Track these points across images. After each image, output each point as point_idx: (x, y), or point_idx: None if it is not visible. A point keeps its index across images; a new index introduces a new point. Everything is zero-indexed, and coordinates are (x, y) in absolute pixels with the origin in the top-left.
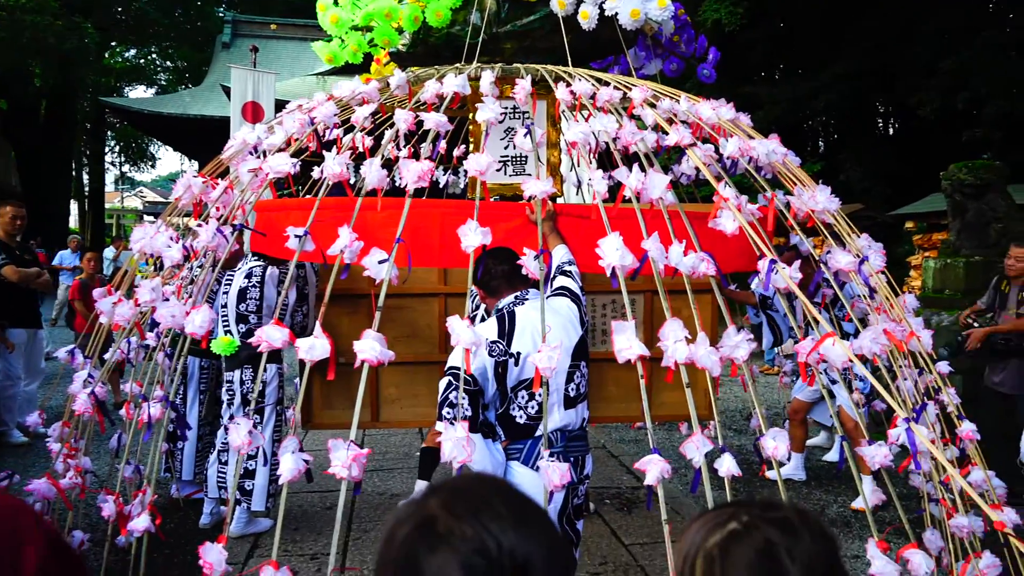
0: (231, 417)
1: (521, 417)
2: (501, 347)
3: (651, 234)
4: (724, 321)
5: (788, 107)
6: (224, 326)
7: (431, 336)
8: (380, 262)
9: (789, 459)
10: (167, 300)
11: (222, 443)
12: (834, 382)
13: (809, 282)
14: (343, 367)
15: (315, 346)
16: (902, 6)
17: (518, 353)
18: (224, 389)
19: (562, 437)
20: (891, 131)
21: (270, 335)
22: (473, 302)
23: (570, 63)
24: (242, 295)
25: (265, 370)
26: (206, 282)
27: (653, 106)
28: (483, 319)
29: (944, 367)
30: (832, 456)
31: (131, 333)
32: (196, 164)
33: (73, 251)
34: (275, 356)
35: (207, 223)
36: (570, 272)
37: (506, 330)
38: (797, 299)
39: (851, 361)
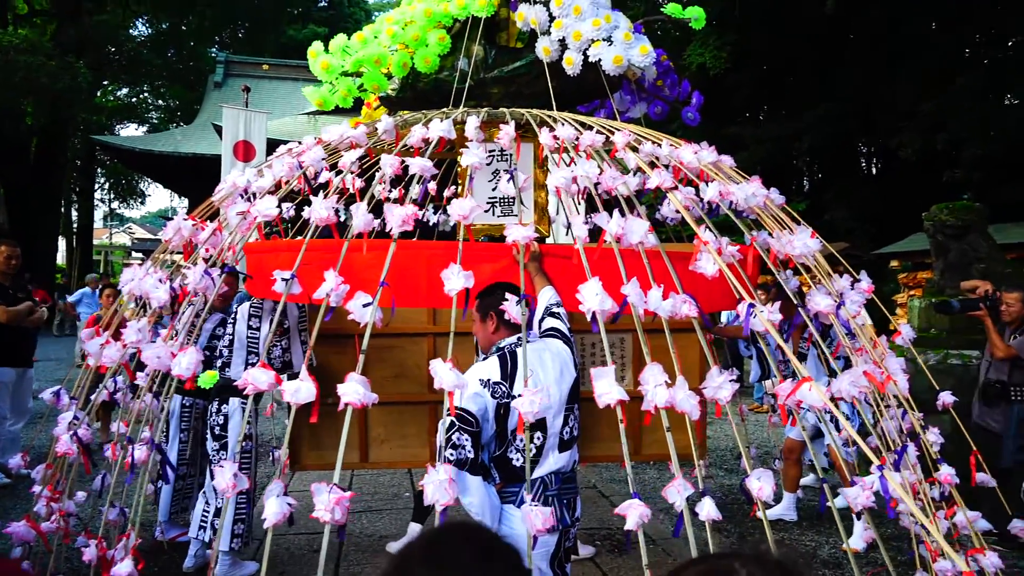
0: (210, 452)
1: (518, 460)
2: (504, 388)
3: (631, 277)
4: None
5: (773, 147)
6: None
7: (420, 376)
8: (364, 305)
9: (781, 499)
10: (153, 341)
11: (207, 483)
12: (821, 421)
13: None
14: (331, 407)
15: (300, 389)
16: (880, 50)
17: (520, 395)
18: (210, 426)
19: (556, 480)
20: (874, 171)
21: (256, 378)
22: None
23: (555, 107)
24: (217, 331)
25: (227, 403)
26: (189, 324)
27: (635, 150)
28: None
29: (948, 397)
30: (809, 480)
31: (118, 373)
32: (187, 201)
33: (92, 290)
34: (240, 390)
35: (196, 265)
36: (558, 314)
37: (508, 371)
38: (786, 335)
39: (830, 404)
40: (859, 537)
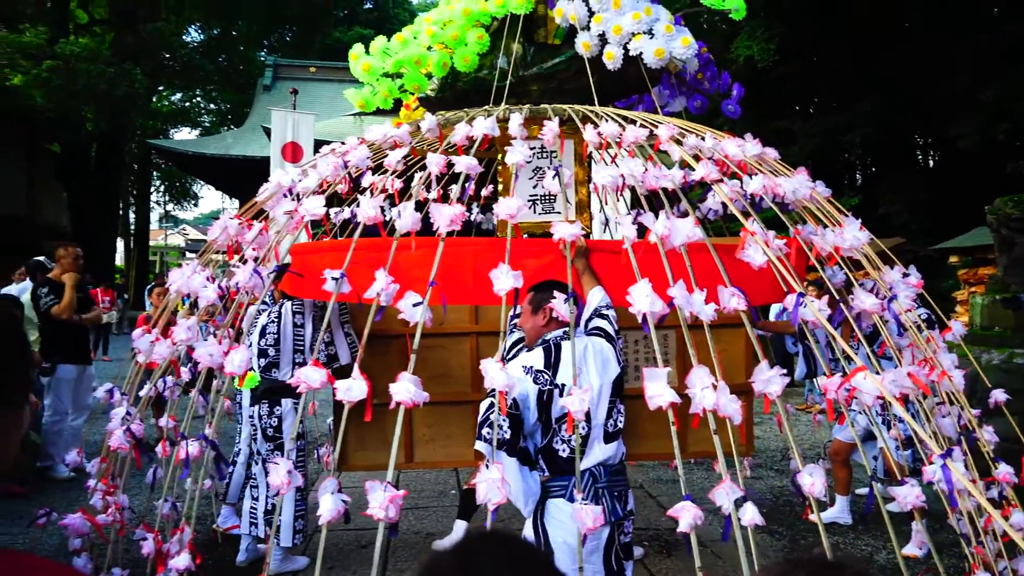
0: (257, 452)
1: (564, 451)
2: (546, 376)
3: (678, 275)
4: (758, 355)
5: (823, 141)
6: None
7: (463, 376)
8: (415, 305)
9: (833, 502)
10: (206, 340)
11: (253, 479)
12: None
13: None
14: (376, 407)
15: (353, 387)
16: (935, 36)
17: (563, 384)
18: (247, 424)
19: (605, 472)
20: (931, 163)
21: (308, 376)
22: (506, 343)
23: (596, 103)
24: (263, 331)
25: (279, 404)
26: (243, 320)
27: (679, 143)
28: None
29: (1000, 395)
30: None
31: (168, 371)
32: (237, 203)
33: (18, 281)
34: (291, 390)
35: (244, 264)
36: (607, 316)
37: (552, 360)
38: (835, 328)
39: (882, 397)
40: (915, 543)
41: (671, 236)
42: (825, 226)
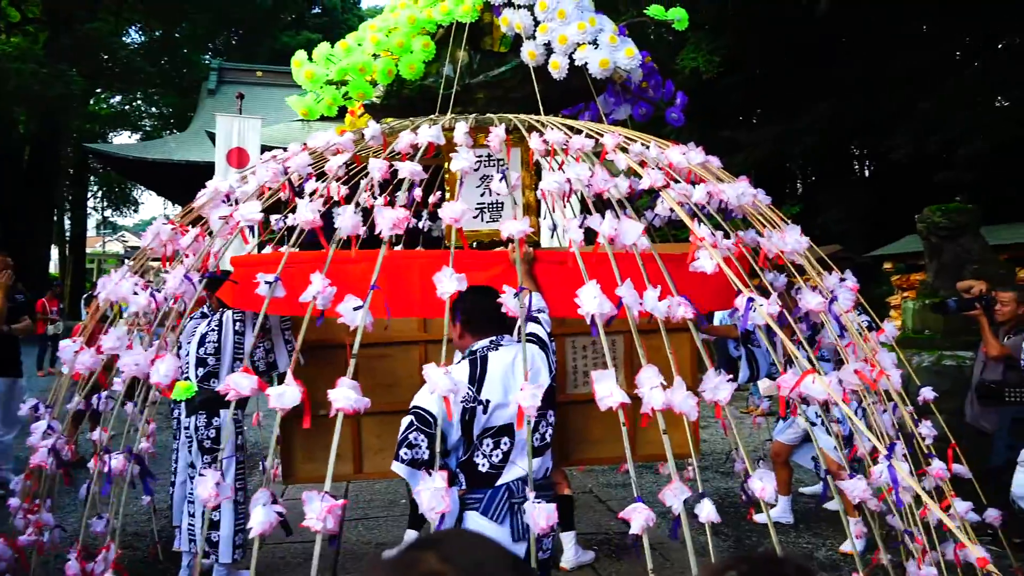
0: (192, 465)
1: (484, 465)
2: (471, 393)
3: (626, 279)
4: (704, 361)
5: (767, 150)
6: (184, 371)
7: (412, 384)
8: (355, 309)
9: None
10: (131, 348)
11: (191, 494)
12: (813, 424)
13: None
14: (323, 418)
15: (285, 393)
16: (870, 52)
17: (487, 400)
18: (183, 436)
19: (523, 486)
20: (867, 173)
21: (238, 383)
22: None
23: (542, 112)
24: (202, 339)
25: (217, 416)
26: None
27: (625, 151)
28: None
29: (928, 393)
30: (814, 489)
31: (92, 382)
32: (179, 209)
33: None
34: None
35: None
36: (539, 319)
37: (477, 375)
38: (777, 335)
39: (835, 395)
40: (854, 535)
41: (620, 236)
42: (759, 234)
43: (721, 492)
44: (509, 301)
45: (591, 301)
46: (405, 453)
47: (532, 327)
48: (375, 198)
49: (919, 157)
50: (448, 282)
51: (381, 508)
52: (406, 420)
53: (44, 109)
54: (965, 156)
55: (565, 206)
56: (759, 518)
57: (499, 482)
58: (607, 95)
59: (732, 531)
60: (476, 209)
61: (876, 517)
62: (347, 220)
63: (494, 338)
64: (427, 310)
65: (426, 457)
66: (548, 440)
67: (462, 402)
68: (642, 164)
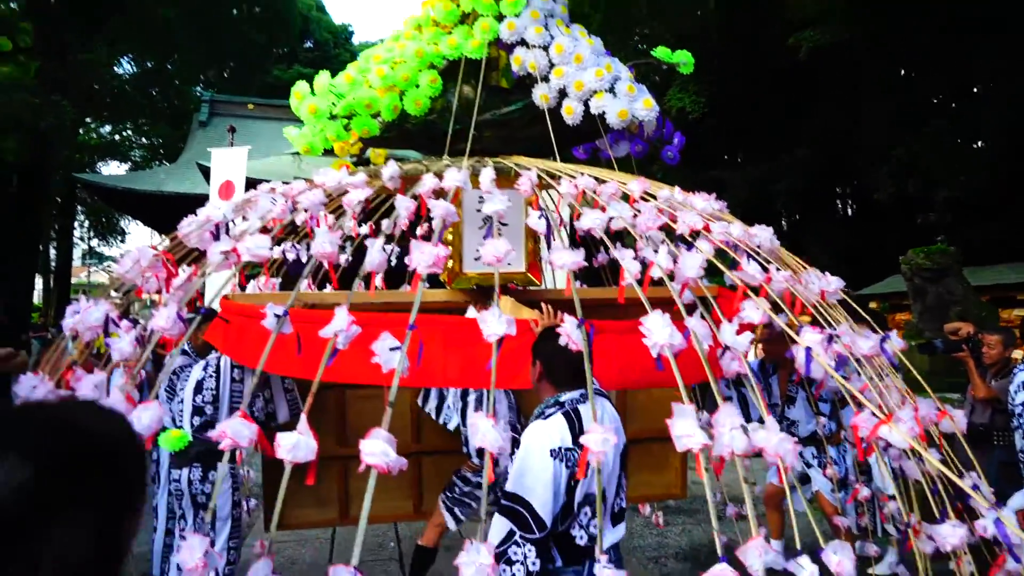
0: (182, 517)
1: (582, 538)
2: (576, 456)
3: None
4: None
5: (751, 190)
6: (178, 419)
7: (403, 427)
8: (392, 349)
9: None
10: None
11: (178, 547)
12: (809, 466)
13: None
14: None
15: (300, 444)
16: (850, 97)
17: (587, 463)
18: (171, 489)
19: (615, 554)
20: (850, 213)
21: (236, 431)
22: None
23: (557, 154)
24: (199, 386)
25: (214, 469)
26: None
27: (652, 197)
28: (475, 407)
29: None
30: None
31: None
32: (167, 241)
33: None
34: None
35: (166, 306)
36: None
37: (577, 432)
38: (773, 377)
39: (915, 444)
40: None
41: (680, 271)
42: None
43: (710, 536)
44: (571, 330)
45: (661, 331)
46: (505, 571)
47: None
48: (360, 225)
49: (900, 198)
50: (496, 324)
51: (369, 551)
52: (501, 528)
53: (34, 138)
54: (944, 198)
55: (555, 239)
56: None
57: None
58: (609, 134)
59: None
60: (477, 251)
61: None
62: (375, 255)
63: (583, 391)
64: (454, 380)
65: (535, 570)
66: (624, 506)
67: (569, 467)
68: (672, 209)
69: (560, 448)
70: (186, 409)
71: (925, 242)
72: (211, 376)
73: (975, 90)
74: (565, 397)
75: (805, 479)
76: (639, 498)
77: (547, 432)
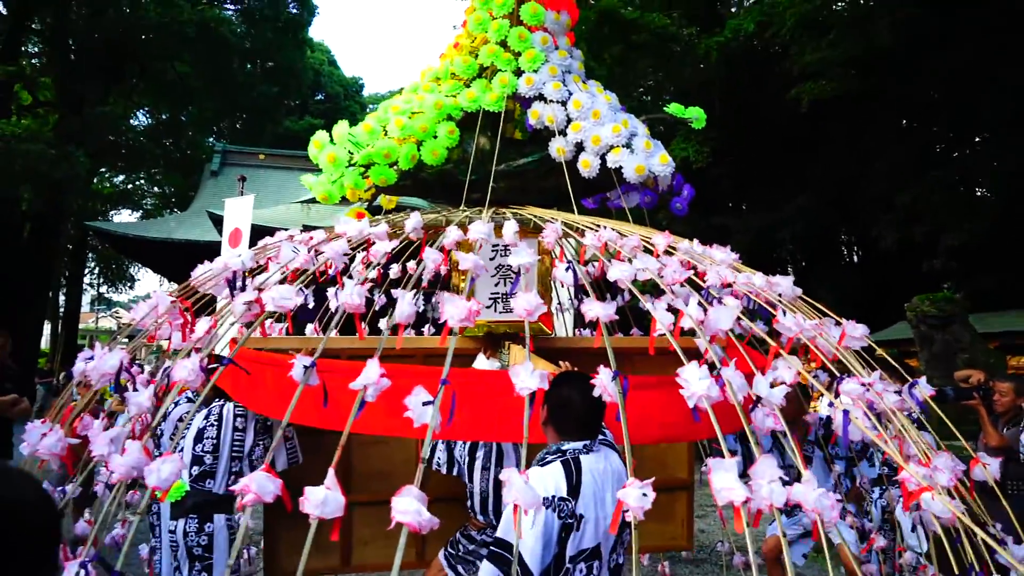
0: (177, 569)
1: None
2: (569, 506)
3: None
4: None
5: (757, 237)
6: None
7: (408, 473)
8: (425, 404)
9: None
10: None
11: None
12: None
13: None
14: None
15: (328, 500)
16: (853, 145)
17: (581, 515)
18: (167, 542)
19: None
20: (856, 259)
21: (262, 486)
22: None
23: (572, 206)
24: (199, 435)
25: (210, 521)
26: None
27: (674, 251)
28: (483, 463)
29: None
30: None
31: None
32: (176, 287)
33: None
34: (225, 505)
35: (188, 357)
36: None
37: (574, 483)
38: (786, 436)
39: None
40: None
41: (711, 323)
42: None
43: None
44: (606, 381)
45: (698, 381)
46: None
47: (607, 432)
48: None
49: (906, 245)
50: (527, 376)
51: None
52: (490, 575)
53: (49, 188)
54: (949, 245)
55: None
56: None
57: None
58: (622, 186)
59: None
60: (490, 299)
61: None
62: (404, 307)
63: (589, 441)
64: (481, 434)
65: None
66: (621, 562)
67: (561, 518)
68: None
69: (554, 497)
70: (185, 458)
71: (932, 288)
72: (212, 425)
73: (976, 140)
74: (568, 446)
75: (806, 534)
76: (644, 548)
77: (542, 479)
